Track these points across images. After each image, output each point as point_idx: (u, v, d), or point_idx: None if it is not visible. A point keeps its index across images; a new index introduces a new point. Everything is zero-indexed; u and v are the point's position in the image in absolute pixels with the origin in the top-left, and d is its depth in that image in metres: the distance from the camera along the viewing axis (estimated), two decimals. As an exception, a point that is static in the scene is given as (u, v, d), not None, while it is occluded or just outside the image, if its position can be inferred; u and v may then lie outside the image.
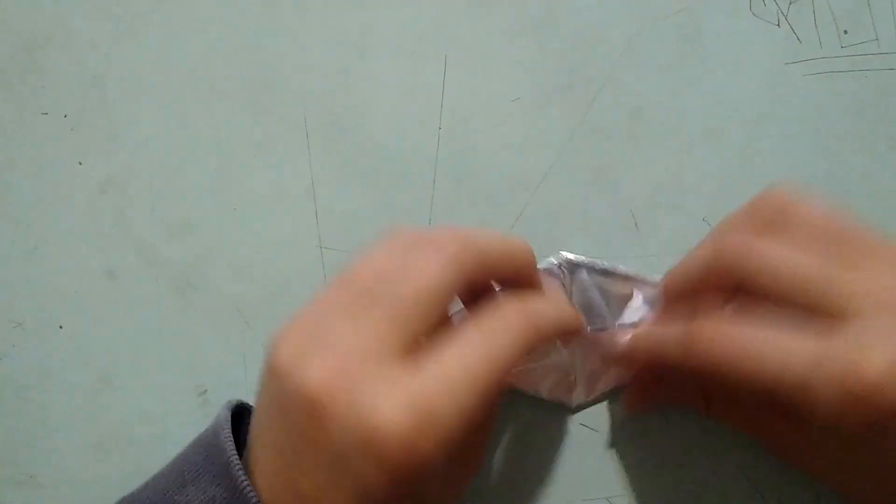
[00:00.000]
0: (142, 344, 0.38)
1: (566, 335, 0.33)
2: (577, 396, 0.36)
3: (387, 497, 0.25)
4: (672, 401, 0.36)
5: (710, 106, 0.37)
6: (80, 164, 0.39)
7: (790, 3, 0.37)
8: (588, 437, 0.37)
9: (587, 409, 0.37)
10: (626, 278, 0.36)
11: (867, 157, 0.37)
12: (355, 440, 0.25)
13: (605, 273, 0.36)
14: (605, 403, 0.37)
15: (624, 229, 0.37)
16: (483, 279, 0.30)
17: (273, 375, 0.27)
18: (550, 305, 0.31)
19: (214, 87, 0.39)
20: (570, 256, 0.36)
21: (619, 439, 0.37)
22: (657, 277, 0.35)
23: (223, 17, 0.39)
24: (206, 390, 0.38)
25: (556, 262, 0.36)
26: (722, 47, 0.37)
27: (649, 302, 0.36)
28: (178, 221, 0.38)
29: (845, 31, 0.37)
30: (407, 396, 0.25)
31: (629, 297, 0.36)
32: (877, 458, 0.28)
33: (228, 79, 0.39)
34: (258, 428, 0.29)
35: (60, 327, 0.38)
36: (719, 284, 0.30)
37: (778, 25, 0.37)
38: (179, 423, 0.38)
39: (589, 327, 0.35)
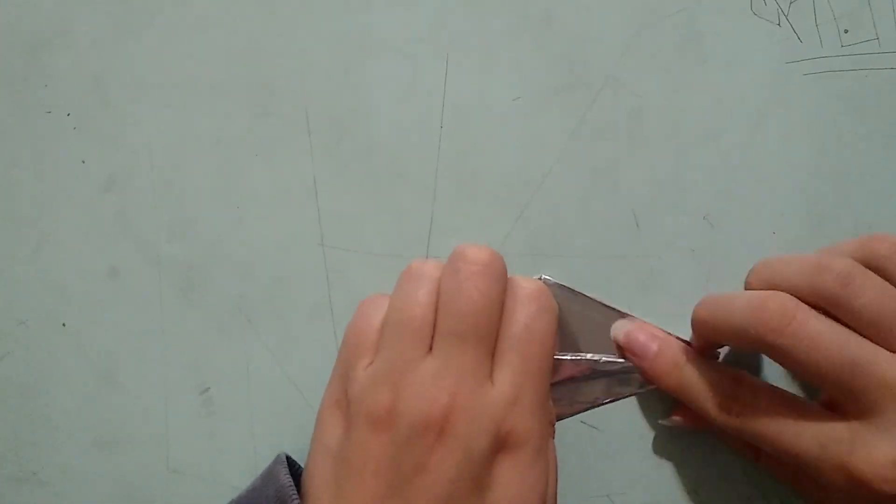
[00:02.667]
0: (144, 342, 0.38)
1: None
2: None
3: None
4: (721, 438, 0.36)
5: (710, 106, 0.37)
6: (83, 162, 0.39)
7: (791, 3, 0.37)
8: (589, 434, 0.37)
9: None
10: (603, 308, 0.36)
11: (867, 157, 0.37)
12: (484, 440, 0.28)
13: (583, 301, 0.36)
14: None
15: (624, 229, 0.37)
16: None
17: (374, 425, 0.29)
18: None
19: (217, 86, 0.39)
20: (550, 280, 0.37)
21: (620, 437, 0.37)
22: (630, 313, 0.37)
23: (225, 16, 0.39)
24: (208, 388, 0.38)
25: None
26: (722, 47, 0.37)
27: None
28: (181, 220, 0.39)
29: (846, 31, 0.37)
30: (504, 403, 0.29)
31: (604, 327, 0.36)
32: None
33: (231, 78, 0.39)
34: (345, 485, 0.30)
35: (63, 325, 0.38)
36: (807, 297, 0.31)
37: (778, 25, 0.37)
38: (181, 421, 0.38)
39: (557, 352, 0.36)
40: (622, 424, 0.37)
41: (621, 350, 0.36)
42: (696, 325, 0.34)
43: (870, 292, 0.30)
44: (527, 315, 0.30)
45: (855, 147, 0.37)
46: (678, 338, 0.35)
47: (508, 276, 0.31)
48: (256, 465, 0.37)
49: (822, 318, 0.30)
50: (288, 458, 0.33)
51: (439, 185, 0.38)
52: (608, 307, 0.37)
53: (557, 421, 0.36)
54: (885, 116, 0.37)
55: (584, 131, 0.38)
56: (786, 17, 0.37)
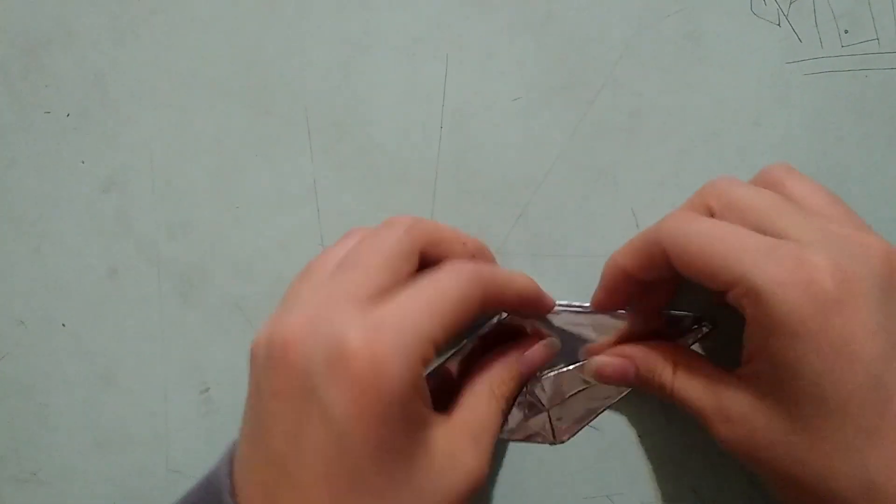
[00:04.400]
0: (144, 342, 0.38)
1: (524, 304, 0.35)
2: (560, 432, 0.37)
3: (355, 429, 0.26)
4: (643, 367, 0.35)
5: (710, 106, 0.37)
6: (83, 163, 0.39)
7: (790, 3, 0.37)
8: (589, 435, 0.37)
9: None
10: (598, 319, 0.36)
11: (867, 157, 0.37)
12: (320, 365, 0.27)
13: (579, 312, 0.36)
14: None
15: (624, 229, 0.37)
16: (436, 253, 0.33)
17: (253, 356, 0.30)
18: (505, 272, 0.34)
19: (216, 86, 0.39)
20: (562, 305, 0.37)
21: (620, 437, 0.37)
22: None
23: (225, 16, 0.39)
24: (207, 388, 0.38)
25: None
26: (722, 47, 0.37)
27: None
28: (180, 220, 0.39)
29: (846, 31, 0.37)
30: (368, 320, 0.27)
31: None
32: (827, 425, 0.28)
33: (230, 78, 0.39)
34: (242, 433, 0.30)
35: (63, 325, 0.39)
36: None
37: (778, 25, 0.37)
38: (181, 421, 0.38)
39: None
40: (622, 424, 0.37)
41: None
42: (614, 273, 0.34)
43: (748, 191, 0.31)
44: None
45: (855, 147, 0.37)
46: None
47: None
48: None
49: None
50: None
51: (439, 185, 0.38)
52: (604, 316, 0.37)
53: (571, 437, 0.37)
54: (885, 116, 0.37)
55: (584, 131, 0.38)
56: (786, 17, 0.37)
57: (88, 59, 0.39)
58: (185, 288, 0.38)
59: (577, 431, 0.37)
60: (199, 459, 0.37)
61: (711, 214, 0.32)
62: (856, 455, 0.27)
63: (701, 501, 0.36)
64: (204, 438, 0.38)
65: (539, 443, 0.36)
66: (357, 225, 0.38)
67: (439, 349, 0.29)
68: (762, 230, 0.29)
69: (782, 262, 0.28)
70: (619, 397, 0.36)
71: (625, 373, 0.34)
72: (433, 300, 0.29)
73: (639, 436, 0.37)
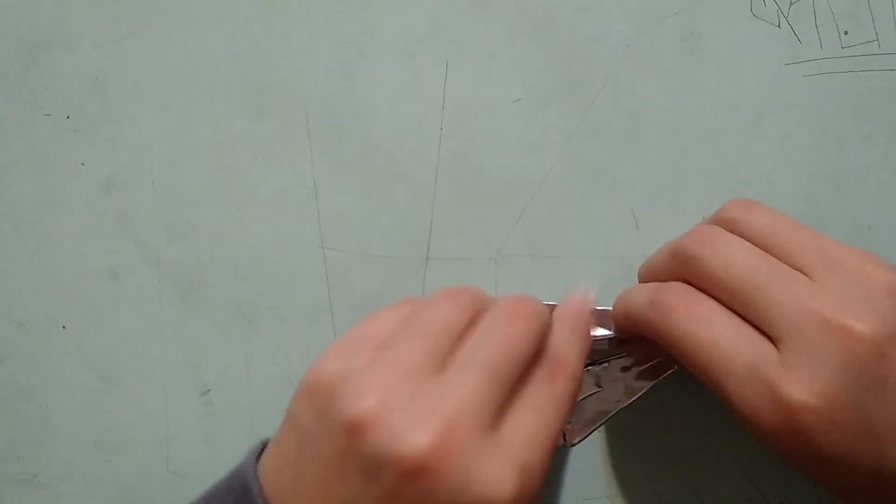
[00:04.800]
0: (144, 344, 0.38)
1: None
2: (571, 435, 0.36)
3: None
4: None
5: (710, 106, 0.37)
6: (83, 164, 0.39)
7: (790, 4, 0.37)
8: (590, 436, 0.37)
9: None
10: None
11: (867, 157, 0.37)
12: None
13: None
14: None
15: (624, 229, 0.37)
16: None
17: (356, 430, 0.26)
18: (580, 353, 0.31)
19: (216, 87, 0.39)
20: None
21: (620, 438, 0.37)
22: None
23: (224, 17, 0.39)
24: (208, 390, 0.38)
25: None
26: (722, 48, 0.37)
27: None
28: (180, 222, 0.39)
29: (846, 32, 0.37)
30: (510, 463, 0.26)
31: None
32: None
33: (230, 79, 0.39)
34: (294, 479, 0.28)
35: (63, 327, 0.38)
36: (681, 272, 0.32)
37: (778, 26, 0.37)
38: (182, 423, 0.38)
39: None
40: (622, 425, 0.37)
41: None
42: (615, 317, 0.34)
43: (718, 257, 0.30)
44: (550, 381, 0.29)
45: (855, 148, 0.37)
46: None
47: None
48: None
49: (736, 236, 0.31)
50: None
51: (439, 185, 0.38)
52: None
53: (581, 440, 0.37)
54: (885, 117, 0.37)
55: (584, 131, 0.38)
56: (785, 18, 0.37)
57: (88, 60, 0.39)
58: (186, 289, 0.38)
59: (588, 434, 0.37)
60: (199, 461, 0.37)
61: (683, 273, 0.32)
62: None
63: (701, 501, 0.36)
64: (204, 440, 0.38)
65: None
66: (358, 225, 0.38)
67: None
68: (741, 313, 0.29)
69: (761, 394, 0.28)
70: (631, 401, 0.36)
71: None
72: (547, 433, 0.28)
73: (639, 437, 0.37)
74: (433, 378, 0.27)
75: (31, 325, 0.39)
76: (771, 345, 0.28)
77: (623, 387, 0.36)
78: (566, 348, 0.30)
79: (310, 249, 0.38)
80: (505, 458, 0.26)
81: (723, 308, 0.30)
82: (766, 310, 0.29)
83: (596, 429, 0.36)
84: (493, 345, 0.28)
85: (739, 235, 0.31)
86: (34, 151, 0.39)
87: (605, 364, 0.36)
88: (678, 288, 0.31)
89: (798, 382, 0.27)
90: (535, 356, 0.30)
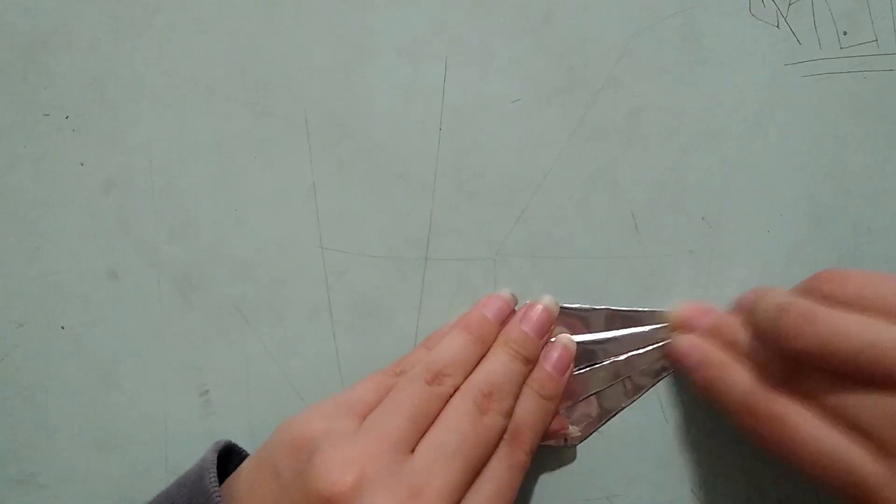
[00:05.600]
0: (143, 344, 0.38)
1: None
2: (572, 437, 0.37)
3: None
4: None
5: (709, 106, 0.37)
6: (82, 164, 0.39)
7: (790, 4, 0.37)
8: (590, 435, 0.37)
9: (587, 409, 0.37)
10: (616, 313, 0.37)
11: (867, 157, 0.37)
12: None
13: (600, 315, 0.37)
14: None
15: (624, 229, 0.37)
16: None
17: (329, 500, 0.29)
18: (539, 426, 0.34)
19: (215, 87, 0.39)
20: (565, 308, 0.37)
21: (620, 438, 0.37)
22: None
23: (224, 17, 0.39)
24: (207, 390, 0.38)
25: None
26: (721, 48, 0.37)
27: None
28: (180, 222, 0.38)
29: (844, 33, 0.37)
30: None
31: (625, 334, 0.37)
32: None
33: (229, 79, 0.39)
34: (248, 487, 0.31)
35: (62, 327, 0.38)
36: (777, 347, 0.31)
37: (777, 26, 0.37)
38: (181, 423, 0.38)
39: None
40: (622, 425, 0.37)
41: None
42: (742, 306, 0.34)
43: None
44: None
45: (854, 148, 0.37)
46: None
47: None
48: (256, 467, 0.37)
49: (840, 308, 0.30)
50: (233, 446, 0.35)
51: (439, 185, 0.38)
52: (620, 311, 0.37)
53: (583, 440, 0.37)
54: (884, 117, 0.37)
55: (584, 131, 0.38)
56: (785, 18, 0.37)
57: (88, 60, 0.39)
58: (185, 289, 0.38)
59: (591, 434, 0.37)
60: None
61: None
62: None
63: (701, 502, 0.36)
64: (203, 440, 0.38)
65: (552, 445, 0.36)
66: (357, 225, 0.38)
67: None
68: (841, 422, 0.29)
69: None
70: (631, 401, 0.36)
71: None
72: (502, 499, 0.31)
73: (639, 436, 0.37)
74: (408, 456, 0.30)
75: (30, 325, 0.38)
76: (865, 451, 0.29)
77: (623, 387, 0.36)
78: (529, 417, 0.33)
79: (309, 249, 0.38)
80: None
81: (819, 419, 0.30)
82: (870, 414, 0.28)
83: (598, 427, 0.36)
84: (465, 430, 0.31)
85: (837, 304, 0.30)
86: (34, 151, 0.39)
87: (601, 365, 0.36)
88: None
89: None
90: None
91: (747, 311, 0.33)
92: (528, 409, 0.34)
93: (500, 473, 0.32)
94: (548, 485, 0.37)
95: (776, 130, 0.37)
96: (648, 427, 0.37)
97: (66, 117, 0.39)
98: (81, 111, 0.39)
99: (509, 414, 0.33)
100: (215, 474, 0.32)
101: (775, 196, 0.37)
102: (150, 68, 0.39)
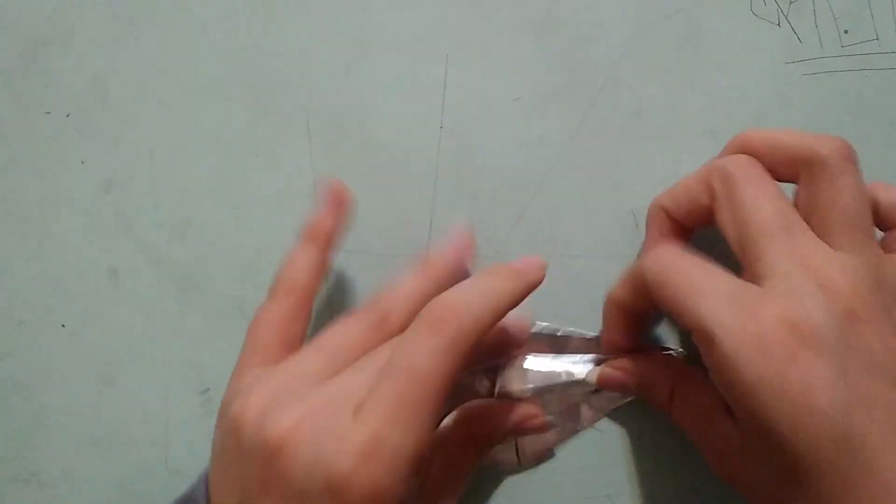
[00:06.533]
0: (144, 343, 0.38)
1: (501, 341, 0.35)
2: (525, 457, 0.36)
3: None
4: (642, 385, 0.35)
5: (710, 105, 0.37)
6: (83, 163, 0.39)
7: (790, 3, 0.37)
8: (589, 434, 0.37)
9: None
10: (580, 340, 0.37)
11: (867, 157, 0.37)
12: (318, 485, 0.26)
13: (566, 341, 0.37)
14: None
15: (624, 229, 0.37)
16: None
17: (236, 428, 0.28)
18: (473, 296, 0.29)
19: (216, 86, 0.39)
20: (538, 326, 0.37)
21: (620, 438, 0.37)
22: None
23: (225, 16, 0.39)
24: (208, 389, 0.38)
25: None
26: (722, 47, 0.37)
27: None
28: (181, 220, 0.39)
29: (846, 31, 0.37)
30: (366, 445, 0.26)
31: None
32: (798, 476, 0.27)
33: (230, 78, 0.39)
34: (215, 483, 0.30)
35: (62, 326, 0.38)
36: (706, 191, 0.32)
37: (778, 25, 0.37)
38: (181, 422, 0.38)
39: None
40: (622, 425, 0.37)
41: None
42: (611, 309, 0.35)
43: (751, 191, 0.31)
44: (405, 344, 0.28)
45: (855, 147, 0.37)
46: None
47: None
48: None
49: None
50: None
51: (439, 185, 0.38)
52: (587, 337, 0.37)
53: (537, 463, 0.37)
54: (885, 116, 0.37)
55: (584, 131, 0.38)
56: (785, 17, 0.37)
57: (88, 59, 0.39)
58: (186, 288, 0.38)
59: (544, 459, 0.37)
60: (199, 460, 0.37)
61: (712, 196, 0.31)
62: None
63: (701, 501, 0.36)
64: (204, 439, 0.38)
65: (501, 463, 0.36)
66: (358, 224, 0.38)
67: (426, 456, 0.30)
68: (741, 242, 0.30)
69: (738, 313, 0.27)
70: (588, 427, 0.37)
71: (625, 386, 0.35)
72: (417, 410, 0.27)
73: (639, 436, 0.37)
74: (324, 380, 0.29)
75: (30, 324, 0.39)
76: (754, 284, 0.29)
77: (581, 413, 0.36)
78: (454, 295, 0.29)
79: (310, 249, 0.38)
80: (355, 433, 0.26)
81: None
82: (763, 250, 0.29)
83: (551, 449, 0.36)
84: (393, 357, 0.28)
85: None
86: (34, 150, 0.39)
87: (564, 388, 0.36)
88: (669, 247, 0.32)
89: (775, 306, 0.27)
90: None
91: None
92: (459, 288, 0.29)
93: (405, 356, 0.27)
94: (548, 485, 0.37)
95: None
96: (648, 427, 0.36)
97: (67, 115, 0.39)
98: (82, 110, 0.39)
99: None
100: (205, 490, 0.31)
101: (776, 196, 0.37)
102: (150, 67, 0.39)
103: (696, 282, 0.29)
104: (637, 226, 0.37)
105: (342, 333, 0.31)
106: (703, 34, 0.37)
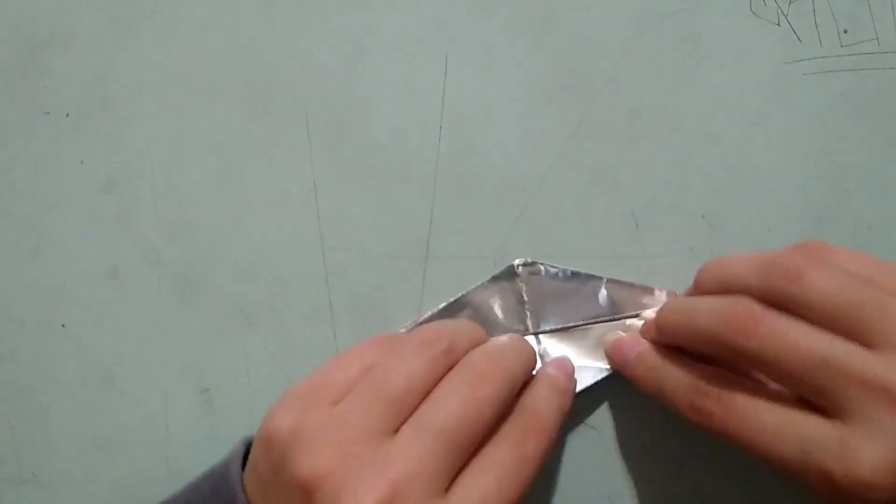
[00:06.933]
0: (144, 343, 0.38)
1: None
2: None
3: None
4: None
5: (709, 106, 0.37)
6: (82, 163, 0.39)
7: (790, 3, 0.37)
8: (589, 435, 0.37)
9: (590, 408, 0.37)
10: (587, 278, 0.37)
11: (867, 157, 0.37)
12: None
13: (562, 275, 0.37)
14: (606, 403, 0.37)
15: (624, 229, 0.37)
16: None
17: (303, 488, 0.27)
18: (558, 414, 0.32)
19: (216, 86, 0.39)
20: (523, 263, 0.37)
21: (620, 438, 0.37)
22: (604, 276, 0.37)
23: (224, 17, 0.39)
24: (208, 390, 0.38)
25: (516, 263, 0.37)
26: (722, 47, 0.37)
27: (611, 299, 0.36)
28: (180, 221, 0.39)
29: (845, 31, 0.37)
30: None
31: (592, 295, 0.36)
32: None
33: (230, 79, 0.39)
34: (253, 482, 0.30)
35: (62, 326, 0.38)
36: (760, 296, 0.29)
37: (778, 25, 0.37)
38: (181, 422, 0.38)
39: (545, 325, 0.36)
40: (622, 425, 0.37)
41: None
42: (663, 329, 0.33)
43: (823, 283, 0.28)
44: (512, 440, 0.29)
45: (855, 147, 0.37)
46: None
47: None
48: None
49: (788, 318, 0.28)
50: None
51: (439, 185, 0.38)
52: (585, 275, 0.37)
53: None
54: (885, 116, 0.37)
55: (584, 131, 0.38)
56: (785, 17, 0.37)
57: (88, 59, 0.39)
58: (185, 288, 0.38)
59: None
60: (199, 461, 0.37)
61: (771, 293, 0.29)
62: None
63: (701, 501, 0.36)
64: (204, 440, 0.38)
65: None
66: (358, 224, 0.38)
67: None
68: (801, 390, 0.28)
69: (820, 481, 0.27)
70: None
71: (625, 357, 0.34)
72: (503, 497, 0.28)
73: (639, 436, 0.37)
74: (387, 440, 0.28)
75: (30, 325, 0.39)
76: (824, 424, 0.27)
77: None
78: (544, 405, 0.31)
79: (310, 249, 0.38)
80: None
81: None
82: (838, 377, 0.27)
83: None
84: (453, 409, 0.28)
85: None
86: (34, 150, 0.39)
87: None
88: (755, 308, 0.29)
89: (861, 462, 0.26)
90: (506, 413, 0.30)
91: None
92: (542, 396, 0.31)
93: (504, 462, 0.28)
94: (548, 485, 0.37)
95: (776, 129, 0.37)
96: (648, 427, 0.37)
97: (67, 116, 0.39)
98: (82, 110, 0.39)
99: (507, 398, 0.30)
100: (240, 465, 0.30)
101: (775, 196, 0.37)
102: (150, 68, 0.39)
103: (772, 425, 0.28)
104: (637, 226, 0.37)
105: (398, 373, 0.29)
106: (703, 34, 0.37)
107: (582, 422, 0.37)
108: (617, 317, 0.36)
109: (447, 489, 0.27)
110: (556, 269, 0.37)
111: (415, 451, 0.27)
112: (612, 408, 0.37)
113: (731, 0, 0.37)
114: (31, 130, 0.39)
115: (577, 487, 0.37)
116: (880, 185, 0.37)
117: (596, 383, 0.36)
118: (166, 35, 0.39)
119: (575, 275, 0.37)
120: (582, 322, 0.36)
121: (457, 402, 0.28)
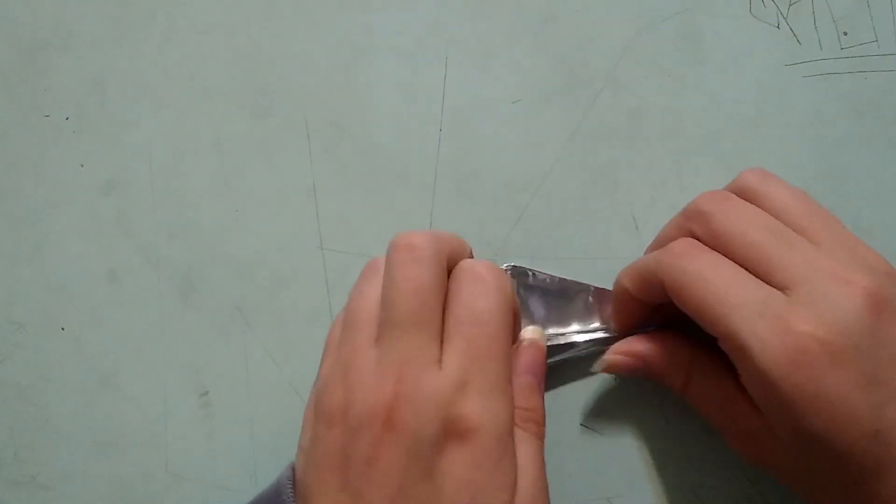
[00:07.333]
0: (143, 345, 0.38)
1: None
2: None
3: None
4: (655, 369, 0.35)
5: (709, 107, 0.37)
6: (82, 165, 0.39)
7: (790, 5, 0.37)
8: (588, 437, 0.37)
9: (587, 410, 0.37)
10: (572, 284, 0.36)
11: (867, 157, 0.37)
12: (434, 436, 0.27)
13: (549, 279, 0.36)
14: (604, 405, 0.37)
15: (624, 230, 0.37)
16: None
17: (330, 421, 0.29)
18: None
19: (215, 88, 0.39)
20: (517, 266, 0.37)
21: (619, 439, 0.37)
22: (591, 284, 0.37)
23: (224, 18, 0.39)
24: (207, 391, 0.38)
25: (504, 267, 0.37)
26: (722, 48, 0.37)
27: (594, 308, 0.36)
28: (180, 222, 0.38)
29: (845, 33, 0.37)
30: (450, 380, 0.28)
31: (580, 303, 0.37)
32: (832, 465, 0.28)
33: (229, 80, 0.39)
34: (311, 482, 0.30)
35: (62, 328, 0.38)
36: (690, 229, 0.32)
37: (777, 27, 0.37)
38: (181, 424, 0.38)
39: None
40: (621, 427, 0.37)
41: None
42: (621, 296, 0.34)
43: (728, 223, 0.31)
44: (469, 296, 0.30)
45: (854, 148, 0.37)
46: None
47: (463, 259, 0.31)
48: (255, 468, 0.37)
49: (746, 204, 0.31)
50: None
51: (439, 186, 0.38)
52: (570, 281, 0.37)
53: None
54: (885, 118, 0.37)
55: (584, 132, 0.38)
56: (785, 19, 0.37)
57: (88, 61, 0.39)
58: (185, 290, 0.38)
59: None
60: (198, 462, 0.37)
61: (696, 238, 0.32)
62: (861, 492, 0.28)
63: (701, 502, 0.36)
64: (203, 441, 0.38)
65: None
66: (357, 226, 0.38)
67: None
68: (749, 267, 0.30)
69: (771, 326, 0.28)
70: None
71: (635, 370, 0.34)
72: (481, 346, 0.29)
73: (638, 438, 0.37)
74: (370, 351, 0.29)
75: (30, 326, 0.38)
76: (779, 291, 0.29)
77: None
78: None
79: (309, 250, 0.38)
80: (449, 386, 0.28)
81: (730, 260, 0.30)
82: (777, 262, 0.29)
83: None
84: (395, 298, 0.29)
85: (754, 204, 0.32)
86: (33, 152, 0.39)
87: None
88: (687, 241, 0.32)
89: (807, 317, 0.28)
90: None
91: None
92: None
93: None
94: (548, 485, 0.37)
95: (776, 131, 0.37)
96: (648, 427, 0.36)
97: (67, 118, 0.39)
98: (81, 112, 0.39)
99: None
100: (291, 488, 0.30)
101: (775, 196, 0.37)
102: (150, 68, 0.39)
103: (724, 290, 0.29)
104: (637, 226, 0.37)
105: (355, 300, 0.31)
106: (704, 35, 0.37)
107: (581, 423, 0.37)
108: (603, 326, 0.36)
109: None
110: (545, 276, 0.37)
111: (392, 346, 0.29)
112: (611, 409, 0.37)
113: (730, 2, 0.38)
114: (31, 133, 0.39)
115: (577, 490, 0.37)
116: (880, 186, 0.37)
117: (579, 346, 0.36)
118: (166, 36, 0.39)
119: (563, 282, 0.37)
120: (571, 331, 0.36)
121: (394, 288, 0.29)
